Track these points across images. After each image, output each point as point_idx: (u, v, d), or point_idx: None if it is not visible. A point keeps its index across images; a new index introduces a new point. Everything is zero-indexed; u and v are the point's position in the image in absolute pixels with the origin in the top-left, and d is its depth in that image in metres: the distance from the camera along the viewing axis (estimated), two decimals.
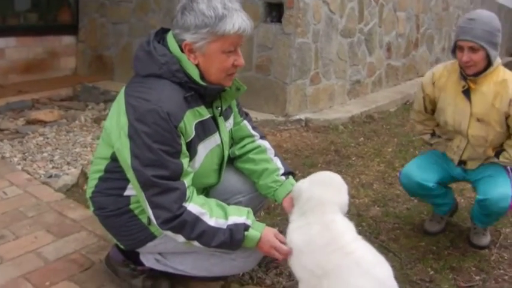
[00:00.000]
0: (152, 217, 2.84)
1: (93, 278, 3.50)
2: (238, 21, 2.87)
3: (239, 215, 2.97)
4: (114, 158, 3.00)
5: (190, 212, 2.83)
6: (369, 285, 2.62)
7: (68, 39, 9.50)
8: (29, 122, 6.84)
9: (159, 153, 2.75)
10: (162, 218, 2.81)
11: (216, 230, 2.87)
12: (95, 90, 8.29)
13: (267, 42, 7.54)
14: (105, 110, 7.59)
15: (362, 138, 7.19)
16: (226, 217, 2.92)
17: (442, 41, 11.86)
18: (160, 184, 2.78)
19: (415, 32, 10.70)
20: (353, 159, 6.29)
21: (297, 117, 7.57)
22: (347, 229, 2.84)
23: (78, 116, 7.24)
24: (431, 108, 4.23)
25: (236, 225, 2.91)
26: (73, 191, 4.85)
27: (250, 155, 3.48)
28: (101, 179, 3.14)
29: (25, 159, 5.58)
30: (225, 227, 2.88)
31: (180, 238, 2.87)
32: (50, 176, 5.12)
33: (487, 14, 3.82)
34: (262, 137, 3.58)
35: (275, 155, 3.54)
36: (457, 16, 12.25)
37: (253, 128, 3.58)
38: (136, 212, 3.08)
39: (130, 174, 2.85)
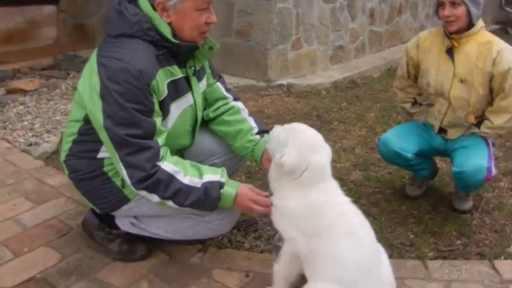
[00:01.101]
0: (126, 177, 2.84)
1: (71, 243, 3.50)
2: None
3: (214, 174, 2.97)
4: (87, 120, 2.99)
5: (164, 171, 2.82)
6: (356, 246, 2.67)
7: (48, 9, 9.39)
8: (9, 92, 6.76)
9: (131, 111, 2.74)
10: (136, 178, 2.80)
11: (190, 188, 2.86)
12: (76, 59, 8.18)
13: (247, 8, 7.48)
14: None
15: (344, 104, 7.19)
16: (200, 176, 2.92)
17: (426, 7, 11.78)
18: (133, 143, 2.77)
19: None
20: (335, 124, 6.29)
21: (279, 82, 7.55)
22: (337, 192, 2.87)
23: (59, 85, 7.16)
24: (414, 73, 4.22)
25: (211, 182, 2.91)
26: (53, 159, 4.83)
27: (224, 117, 3.48)
28: (74, 141, 3.14)
29: (5, 128, 5.53)
30: (199, 185, 2.88)
31: (155, 198, 2.87)
32: (30, 144, 5.08)
33: None
34: (236, 99, 3.58)
35: (249, 115, 3.54)
36: None
37: (227, 90, 3.58)
38: (109, 174, 3.08)
39: (103, 135, 2.84)
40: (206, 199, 2.90)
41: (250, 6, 7.43)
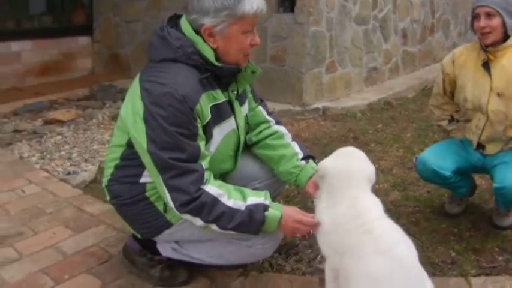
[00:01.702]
0: (170, 201, 2.82)
1: (111, 270, 3.50)
2: (256, 0, 2.87)
3: (257, 196, 2.95)
4: (129, 145, 3.00)
5: (208, 194, 2.81)
6: (385, 264, 2.57)
7: (83, 40, 9.56)
8: (47, 122, 6.85)
9: (175, 135, 2.74)
10: (180, 201, 2.79)
11: (234, 211, 2.84)
12: (112, 89, 8.29)
13: (280, 33, 7.51)
14: None
15: (380, 125, 7.15)
16: (244, 199, 2.90)
17: (458, 25, 11.75)
18: (178, 166, 2.76)
19: (430, 18, 10.60)
20: (372, 145, 6.25)
21: (314, 106, 7.55)
22: (371, 207, 2.79)
23: (95, 115, 7.25)
24: (450, 90, 4.19)
25: (255, 205, 2.89)
26: (91, 187, 4.87)
27: (268, 141, 3.47)
28: (116, 167, 3.14)
29: (43, 158, 5.59)
30: (243, 208, 2.86)
31: (198, 221, 2.85)
32: (68, 173, 5.13)
33: None
34: (278, 123, 3.57)
35: (292, 140, 3.53)
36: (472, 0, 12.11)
37: (269, 113, 3.57)
38: (152, 199, 3.07)
39: (146, 159, 2.84)
40: (250, 222, 2.88)
41: (284, 31, 7.45)
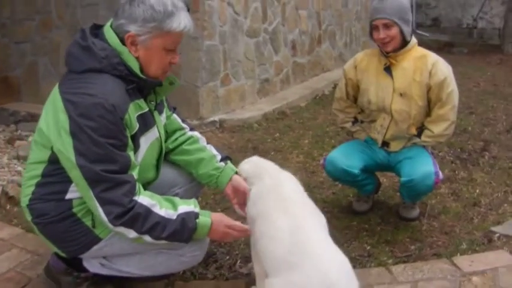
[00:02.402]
0: (103, 215, 2.79)
1: None
2: (185, 20, 2.92)
3: (187, 204, 2.99)
4: (52, 161, 2.92)
5: (141, 204, 2.82)
6: (286, 223, 2.77)
7: None
8: None
9: (106, 146, 2.72)
10: (114, 214, 2.77)
11: (167, 221, 2.87)
12: (4, 112, 8.11)
13: None
14: (17, 131, 7.42)
15: (278, 134, 7.28)
16: (175, 208, 2.93)
17: (343, 36, 12.06)
18: (109, 178, 2.74)
19: (317, 29, 10.85)
20: (272, 153, 6.35)
21: (211, 119, 7.59)
22: (290, 180, 3.17)
23: None
24: (353, 94, 4.39)
25: (187, 213, 2.93)
26: None
27: (184, 146, 3.52)
28: (38, 184, 3.03)
29: None
30: (175, 217, 2.89)
31: (132, 234, 2.84)
32: None
33: None
34: (192, 129, 3.64)
35: (208, 143, 3.60)
36: (356, 12, 12.52)
37: (183, 120, 3.63)
38: (79, 215, 3.01)
39: (75, 173, 2.78)
40: (183, 230, 2.91)
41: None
